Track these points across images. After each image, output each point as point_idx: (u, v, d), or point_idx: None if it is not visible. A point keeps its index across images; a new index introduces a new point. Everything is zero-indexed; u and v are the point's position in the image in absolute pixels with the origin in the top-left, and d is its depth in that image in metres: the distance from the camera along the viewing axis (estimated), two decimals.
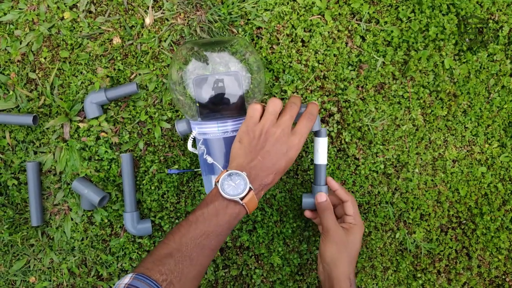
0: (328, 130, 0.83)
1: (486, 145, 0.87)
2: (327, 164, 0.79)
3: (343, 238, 0.73)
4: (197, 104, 0.71)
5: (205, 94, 0.71)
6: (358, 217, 0.77)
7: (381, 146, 0.85)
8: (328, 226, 0.73)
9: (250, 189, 0.63)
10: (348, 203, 0.77)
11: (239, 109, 0.71)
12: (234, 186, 0.63)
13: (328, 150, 0.84)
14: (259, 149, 0.66)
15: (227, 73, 0.71)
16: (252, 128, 0.67)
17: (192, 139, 0.75)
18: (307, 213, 0.81)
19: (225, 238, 0.65)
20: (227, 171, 0.64)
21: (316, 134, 0.75)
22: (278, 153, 0.66)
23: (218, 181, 0.64)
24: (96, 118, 0.81)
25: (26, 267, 0.84)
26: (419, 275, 0.89)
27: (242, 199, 0.63)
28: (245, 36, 0.80)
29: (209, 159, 0.73)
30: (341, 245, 0.72)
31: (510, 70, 0.85)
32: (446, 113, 0.85)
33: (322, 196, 0.75)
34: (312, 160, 0.84)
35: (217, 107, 0.72)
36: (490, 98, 0.86)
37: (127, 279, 0.57)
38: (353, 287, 0.71)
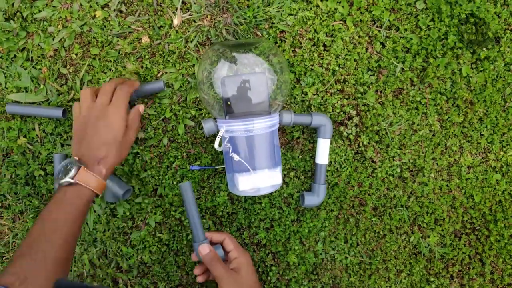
0: (346, 132, 0.85)
1: (501, 153, 0.89)
2: (327, 164, 0.84)
3: (237, 280, 0.73)
4: (225, 103, 0.74)
5: (232, 93, 0.74)
6: (239, 249, 0.78)
7: (398, 150, 0.86)
8: (220, 275, 0.73)
9: (79, 167, 0.66)
10: (225, 240, 0.78)
11: (264, 108, 0.74)
12: (66, 171, 0.67)
13: (346, 153, 0.86)
14: (84, 132, 0.70)
15: (254, 74, 0.74)
16: (77, 122, 0.72)
17: (219, 138, 0.77)
18: (196, 270, 0.80)
19: (81, 223, 0.68)
20: None
21: (320, 135, 0.82)
22: (100, 126, 0.70)
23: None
24: None
25: None
26: (432, 279, 0.90)
27: (72, 178, 0.66)
28: (269, 39, 0.83)
29: (236, 157, 0.75)
30: (239, 287, 0.73)
31: None
32: (462, 120, 0.87)
33: (205, 248, 0.75)
34: (328, 162, 0.86)
35: (243, 106, 0.74)
36: (506, 107, 0.88)
37: None
38: None
